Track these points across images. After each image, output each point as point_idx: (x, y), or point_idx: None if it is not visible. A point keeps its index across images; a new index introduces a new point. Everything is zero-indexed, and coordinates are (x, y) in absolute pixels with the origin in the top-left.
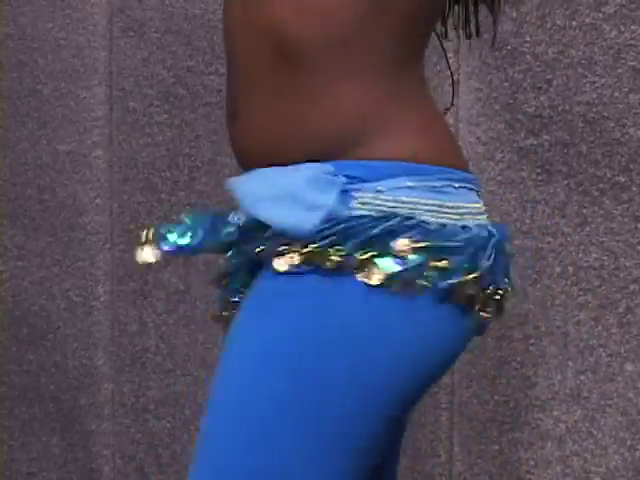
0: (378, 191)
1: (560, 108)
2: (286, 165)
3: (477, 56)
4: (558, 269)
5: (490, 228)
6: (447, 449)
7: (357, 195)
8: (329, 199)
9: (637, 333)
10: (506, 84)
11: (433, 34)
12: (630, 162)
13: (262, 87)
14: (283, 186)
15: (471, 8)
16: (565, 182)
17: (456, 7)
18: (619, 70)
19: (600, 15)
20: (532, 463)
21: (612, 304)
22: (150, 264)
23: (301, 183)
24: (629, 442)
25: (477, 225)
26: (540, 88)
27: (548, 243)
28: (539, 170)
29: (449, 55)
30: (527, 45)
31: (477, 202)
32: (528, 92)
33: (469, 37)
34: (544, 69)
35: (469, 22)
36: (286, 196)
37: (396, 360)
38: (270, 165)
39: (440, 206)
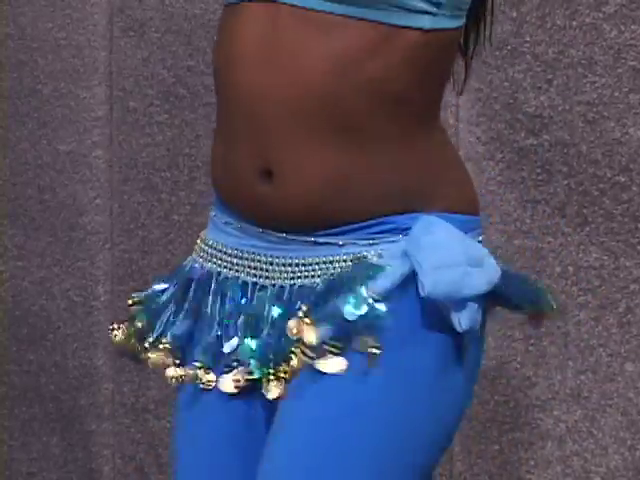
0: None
1: (560, 108)
2: (356, 221)
3: (477, 56)
4: (558, 269)
5: None
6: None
7: None
8: (483, 249)
9: (637, 333)
10: (506, 84)
11: None
12: (630, 162)
13: (311, 145)
14: (459, 258)
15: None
16: (565, 182)
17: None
18: (619, 70)
19: (600, 15)
20: (532, 463)
21: (612, 304)
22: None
23: (462, 246)
24: (629, 442)
25: None
26: (540, 88)
27: (548, 243)
28: (539, 170)
29: None
30: (527, 45)
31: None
32: (528, 92)
33: (472, 55)
34: (544, 69)
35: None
36: (468, 264)
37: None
38: (328, 223)
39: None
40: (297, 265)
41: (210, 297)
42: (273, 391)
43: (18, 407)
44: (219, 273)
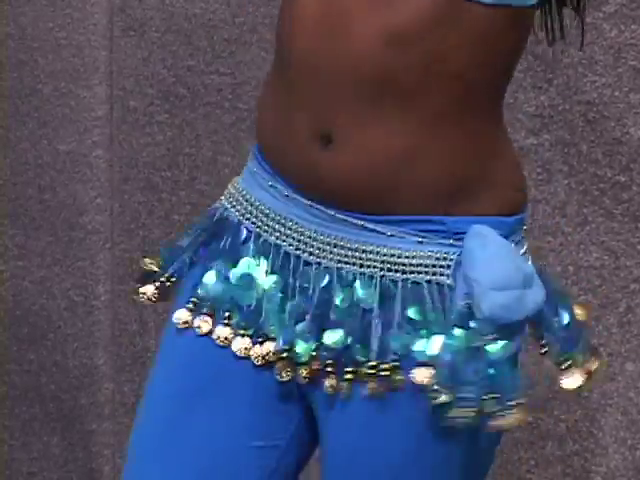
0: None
1: (560, 107)
2: (407, 213)
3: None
4: (558, 268)
5: None
6: None
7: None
8: (530, 266)
9: (637, 332)
10: None
11: None
12: (630, 162)
13: (377, 119)
14: (514, 278)
15: (554, 14)
16: (565, 181)
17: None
18: (619, 69)
19: (600, 14)
20: (532, 462)
21: (612, 303)
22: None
23: (516, 265)
24: (630, 442)
25: None
26: (540, 87)
27: (548, 242)
28: (539, 169)
29: None
30: (527, 44)
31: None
32: (528, 91)
33: (552, 43)
34: (544, 68)
35: (553, 28)
36: (523, 284)
37: None
38: (380, 208)
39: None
40: (342, 247)
41: (249, 258)
42: (328, 384)
43: (18, 407)
44: (258, 235)
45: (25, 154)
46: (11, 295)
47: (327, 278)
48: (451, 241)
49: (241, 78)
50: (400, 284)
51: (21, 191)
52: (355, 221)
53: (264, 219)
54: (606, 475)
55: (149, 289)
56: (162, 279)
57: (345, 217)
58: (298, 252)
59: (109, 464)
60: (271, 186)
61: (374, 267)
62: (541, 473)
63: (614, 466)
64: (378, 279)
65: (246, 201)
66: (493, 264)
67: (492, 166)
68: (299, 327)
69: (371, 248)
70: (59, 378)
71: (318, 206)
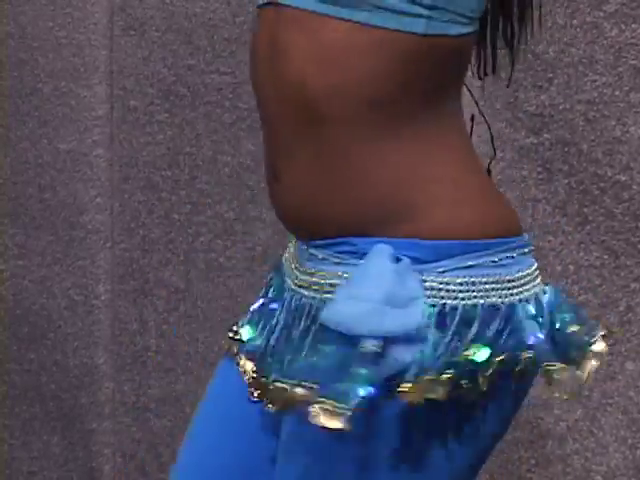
0: (440, 273)
1: (561, 107)
2: (331, 235)
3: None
4: (559, 268)
5: (537, 296)
6: None
7: (421, 279)
8: (418, 293)
9: (638, 332)
10: (507, 82)
11: None
12: (631, 161)
13: (297, 151)
14: (371, 295)
15: (489, 49)
16: (566, 181)
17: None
18: (620, 69)
19: (601, 14)
20: (533, 462)
21: (613, 303)
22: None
23: (383, 281)
24: (630, 441)
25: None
26: (541, 87)
27: (549, 242)
28: (540, 169)
29: None
30: (528, 44)
31: (531, 266)
32: (529, 91)
33: (482, 77)
34: (545, 68)
35: (486, 63)
36: (384, 302)
37: None
38: (314, 233)
39: (497, 282)
40: (299, 271)
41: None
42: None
43: (19, 406)
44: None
45: (25, 153)
46: (11, 294)
47: (291, 302)
48: (362, 261)
49: (241, 77)
50: (317, 304)
51: (21, 190)
52: (304, 247)
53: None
54: (606, 474)
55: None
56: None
57: (301, 245)
58: (289, 281)
59: (109, 463)
60: None
61: (309, 289)
62: (541, 472)
63: (614, 465)
64: (305, 300)
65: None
66: (361, 277)
67: (417, 190)
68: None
69: (312, 271)
70: (59, 377)
71: (289, 228)
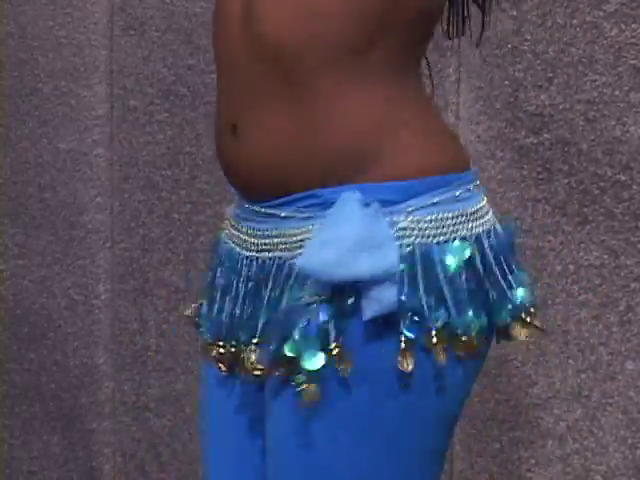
0: (408, 212)
1: (561, 106)
2: (297, 190)
3: (478, 54)
4: (559, 268)
5: (495, 229)
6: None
7: (392, 221)
8: (388, 234)
9: (638, 331)
10: (507, 82)
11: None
12: (631, 160)
13: (267, 104)
14: (343, 241)
15: (461, 9)
16: (566, 180)
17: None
18: (620, 68)
19: (601, 13)
20: (533, 462)
21: (613, 302)
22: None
23: (353, 227)
24: (630, 440)
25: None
26: (541, 86)
27: (549, 242)
28: (540, 169)
29: (449, 53)
30: (528, 43)
31: (484, 198)
32: (529, 90)
33: (453, 37)
34: (545, 67)
35: (458, 22)
36: (354, 249)
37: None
38: (276, 190)
39: (462, 215)
40: (258, 237)
41: (219, 269)
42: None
43: (19, 406)
44: (226, 243)
45: (25, 153)
46: (11, 294)
47: (251, 269)
48: (330, 210)
49: None
50: (289, 261)
51: (21, 190)
52: (258, 209)
53: (228, 227)
54: (606, 474)
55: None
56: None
57: (253, 208)
58: (243, 251)
59: (109, 463)
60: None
61: (276, 250)
62: (541, 472)
63: (614, 465)
64: (273, 261)
65: (227, 219)
66: (335, 225)
67: (385, 135)
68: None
69: (269, 232)
70: (59, 377)
71: (242, 200)
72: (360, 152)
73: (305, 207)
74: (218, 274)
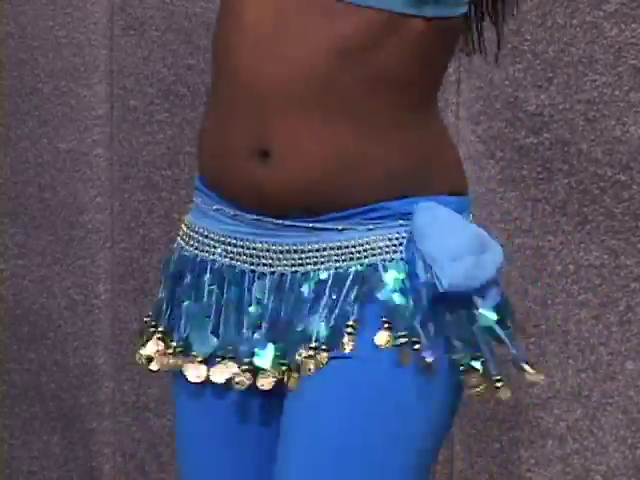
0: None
1: (561, 106)
2: (334, 210)
3: (477, 54)
4: (559, 267)
5: None
6: (448, 447)
7: None
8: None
9: (638, 331)
10: (507, 82)
11: None
12: (631, 160)
13: (318, 120)
14: (470, 244)
15: (475, 27)
16: (565, 180)
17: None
18: (620, 68)
19: (601, 13)
20: (533, 462)
21: (613, 302)
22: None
23: (469, 231)
24: (630, 440)
25: None
26: (541, 86)
27: (548, 241)
28: (539, 168)
29: None
30: (528, 43)
31: None
32: (529, 90)
33: (469, 54)
34: (545, 67)
35: (473, 41)
36: (479, 248)
37: None
38: (311, 212)
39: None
40: (296, 252)
41: (206, 287)
42: (291, 383)
43: (19, 405)
44: (214, 261)
45: (25, 153)
46: (11, 294)
47: (285, 283)
48: (400, 222)
49: None
50: (354, 269)
51: (21, 190)
52: (304, 224)
53: (216, 244)
54: (606, 474)
55: (149, 349)
56: (156, 335)
57: (293, 223)
58: (252, 267)
59: (109, 463)
60: (216, 210)
61: (330, 262)
62: (541, 472)
63: (614, 465)
64: (332, 271)
65: (196, 233)
66: (445, 235)
67: (430, 157)
68: (256, 336)
69: (324, 245)
70: (59, 377)
71: (266, 219)
72: (416, 170)
73: (372, 219)
74: (205, 294)
